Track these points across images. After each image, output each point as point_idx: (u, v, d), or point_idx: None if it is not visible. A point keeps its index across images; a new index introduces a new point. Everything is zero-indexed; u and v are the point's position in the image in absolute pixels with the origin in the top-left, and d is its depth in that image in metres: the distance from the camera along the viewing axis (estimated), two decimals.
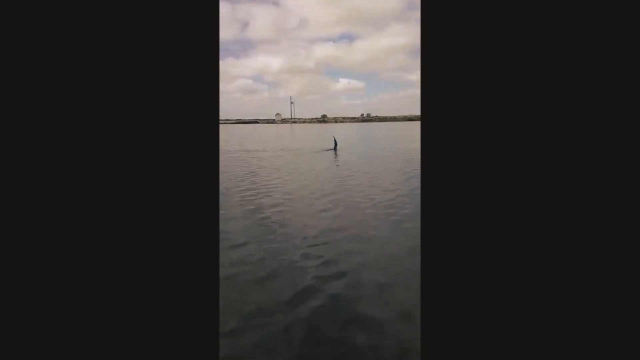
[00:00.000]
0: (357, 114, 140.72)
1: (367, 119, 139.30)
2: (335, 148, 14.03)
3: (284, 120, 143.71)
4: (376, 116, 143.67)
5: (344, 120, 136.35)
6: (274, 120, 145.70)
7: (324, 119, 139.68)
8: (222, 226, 3.98)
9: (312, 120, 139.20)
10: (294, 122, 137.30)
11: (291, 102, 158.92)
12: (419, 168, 1.75)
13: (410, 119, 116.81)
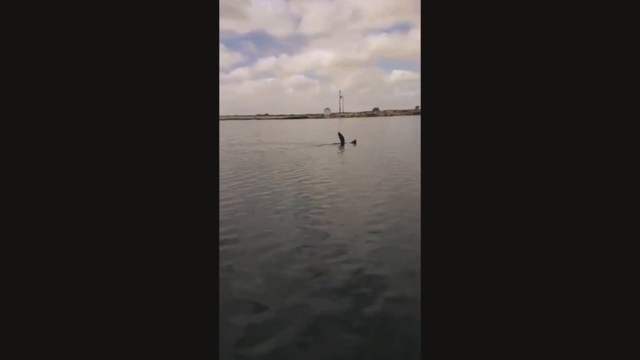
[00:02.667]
0: (412, 106, 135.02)
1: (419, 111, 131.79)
2: (341, 143, 14.02)
3: (333, 115, 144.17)
4: None
5: (394, 113, 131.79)
6: (323, 115, 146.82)
7: (373, 113, 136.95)
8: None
9: (360, 114, 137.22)
10: (342, 116, 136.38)
11: (340, 96, 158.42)
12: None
13: None
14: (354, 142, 14.34)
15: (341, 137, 14.55)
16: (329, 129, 25.23)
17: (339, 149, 12.65)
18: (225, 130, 31.77)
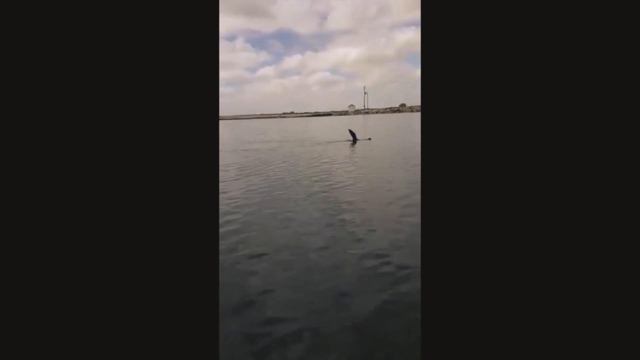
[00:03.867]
0: None
1: None
2: (353, 141, 13.77)
3: (357, 112, 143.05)
4: None
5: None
6: (347, 111, 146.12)
7: (399, 109, 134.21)
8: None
9: (386, 110, 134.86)
10: (367, 112, 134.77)
11: (365, 93, 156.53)
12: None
13: None
14: (369, 139, 13.96)
15: (352, 134, 14.42)
16: (347, 125, 24.64)
17: (351, 146, 12.18)
18: (235, 130, 31.75)
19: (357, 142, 13.24)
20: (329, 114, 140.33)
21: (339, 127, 26.43)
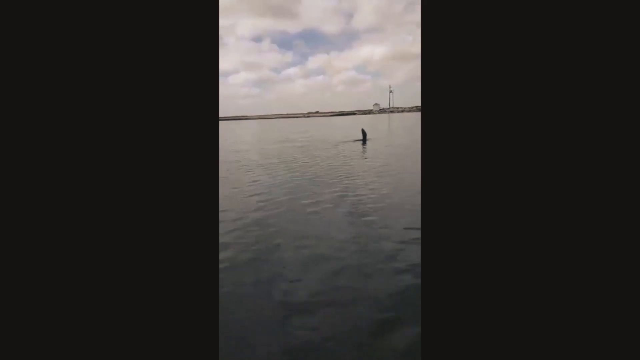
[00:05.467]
0: None
1: None
2: (364, 140, 13.76)
3: (382, 110, 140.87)
4: None
5: None
6: (372, 110, 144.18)
7: None
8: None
9: (412, 109, 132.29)
10: (392, 111, 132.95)
11: (390, 91, 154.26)
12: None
13: None
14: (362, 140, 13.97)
15: (364, 133, 14.50)
16: (368, 124, 24.67)
17: (362, 145, 12.20)
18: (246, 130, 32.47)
19: (365, 143, 13.21)
20: (352, 113, 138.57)
21: (358, 126, 25.68)
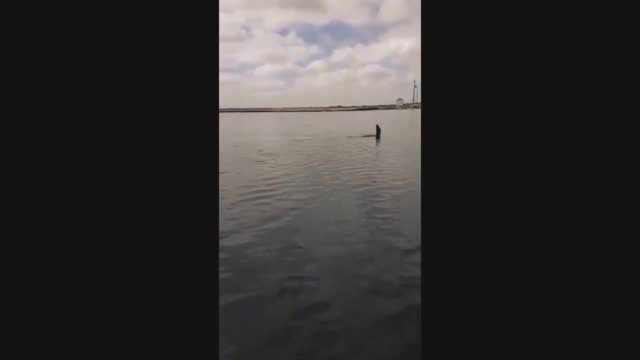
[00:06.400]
0: None
1: None
2: (377, 135, 13.58)
3: (406, 106, 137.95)
4: None
5: None
6: (395, 105, 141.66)
7: None
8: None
9: None
10: (416, 107, 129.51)
11: (415, 86, 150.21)
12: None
13: None
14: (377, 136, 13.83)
15: (378, 129, 14.11)
16: (387, 119, 23.88)
17: (376, 141, 11.91)
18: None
19: (378, 138, 13.01)
20: (375, 108, 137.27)
21: (376, 120, 25.77)
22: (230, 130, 21.13)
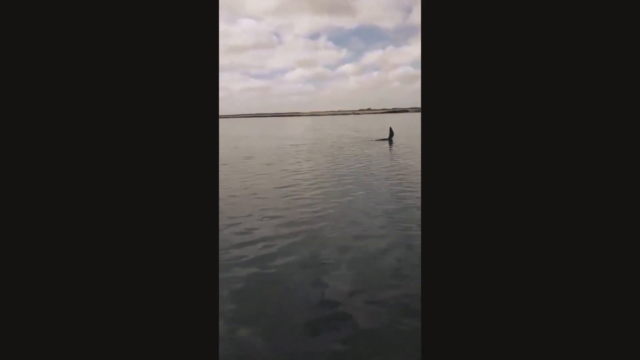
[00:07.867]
0: None
1: None
2: (390, 138, 13.44)
3: None
4: None
5: None
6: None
7: None
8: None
9: None
10: None
11: None
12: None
13: None
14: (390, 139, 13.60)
15: (391, 132, 13.88)
16: (412, 122, 22.73)
17: (389, 145, 11.59)
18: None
19: (391, 142, 12.73)
20: (405, 111, 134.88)
21: (397, 125, 24.39)
22: (231, 133, 20.85)
